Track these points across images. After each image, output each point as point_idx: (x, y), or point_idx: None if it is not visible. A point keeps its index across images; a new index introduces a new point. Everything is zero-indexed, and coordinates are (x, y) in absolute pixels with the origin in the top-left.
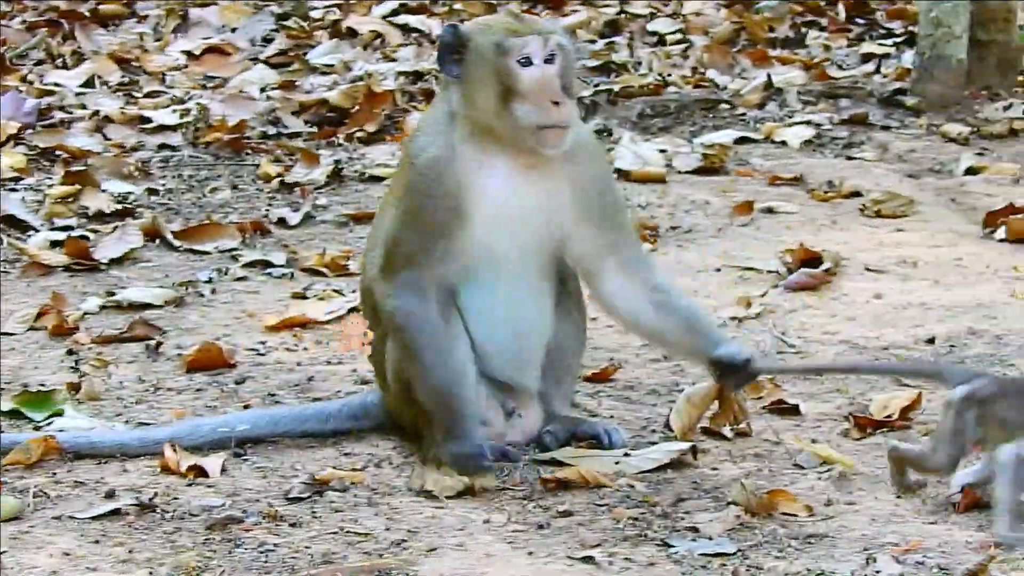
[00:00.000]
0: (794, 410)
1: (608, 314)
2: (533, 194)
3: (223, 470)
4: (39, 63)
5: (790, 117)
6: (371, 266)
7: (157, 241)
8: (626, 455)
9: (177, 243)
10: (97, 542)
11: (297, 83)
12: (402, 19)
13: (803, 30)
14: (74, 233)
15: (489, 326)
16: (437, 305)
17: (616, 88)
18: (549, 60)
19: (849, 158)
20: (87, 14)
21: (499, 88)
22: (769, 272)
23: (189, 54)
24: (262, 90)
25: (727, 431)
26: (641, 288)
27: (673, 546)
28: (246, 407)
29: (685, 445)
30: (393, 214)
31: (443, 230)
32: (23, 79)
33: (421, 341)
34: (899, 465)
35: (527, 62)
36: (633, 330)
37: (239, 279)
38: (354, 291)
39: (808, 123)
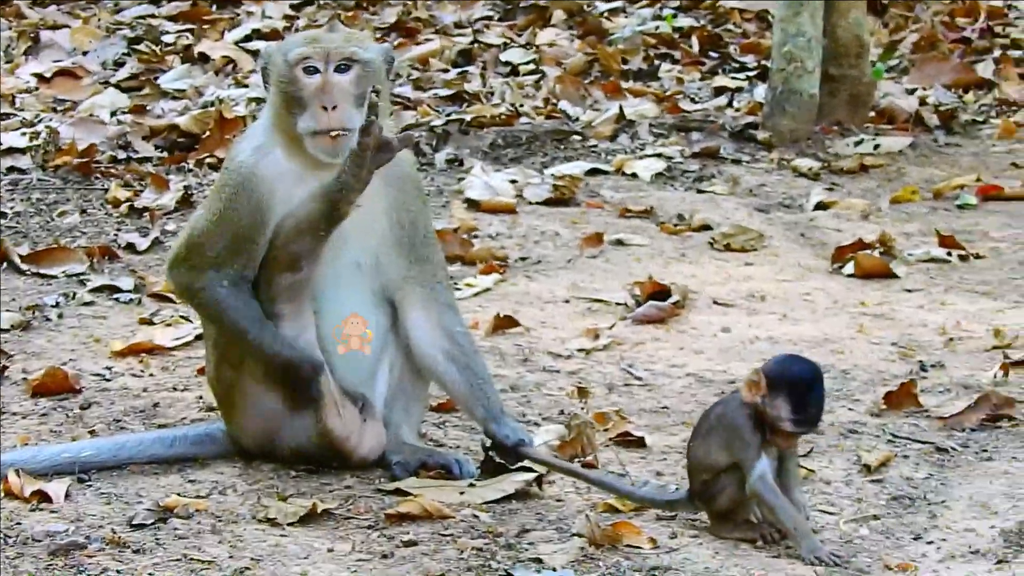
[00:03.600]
0: (640, 442)
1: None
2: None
3: (67, 496)
4: None
5: (641, 149)
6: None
7: (4, 264)
8: (471, 485)
9: (24, 267)
10: None
11: (148, 107)
12: (254, 45)
13: (656, 63)
14: None
15: (321, 329)
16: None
17: (468, 118)
18: (341, 70)
19: (700, 191)
20: None
21: (285, 96)
22: (617, 304)
23: (40, 77)
24: (113, 114)
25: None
26: (438, 332)
27: None
28: (91, 433)
29: (530, 476)
30: (204, 211)
31: (248, 234)
32: None
33: (241, 317)
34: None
35: (313, 71)
36: (423, 368)
37: (86, 304)
38: None
39: (659, 156)
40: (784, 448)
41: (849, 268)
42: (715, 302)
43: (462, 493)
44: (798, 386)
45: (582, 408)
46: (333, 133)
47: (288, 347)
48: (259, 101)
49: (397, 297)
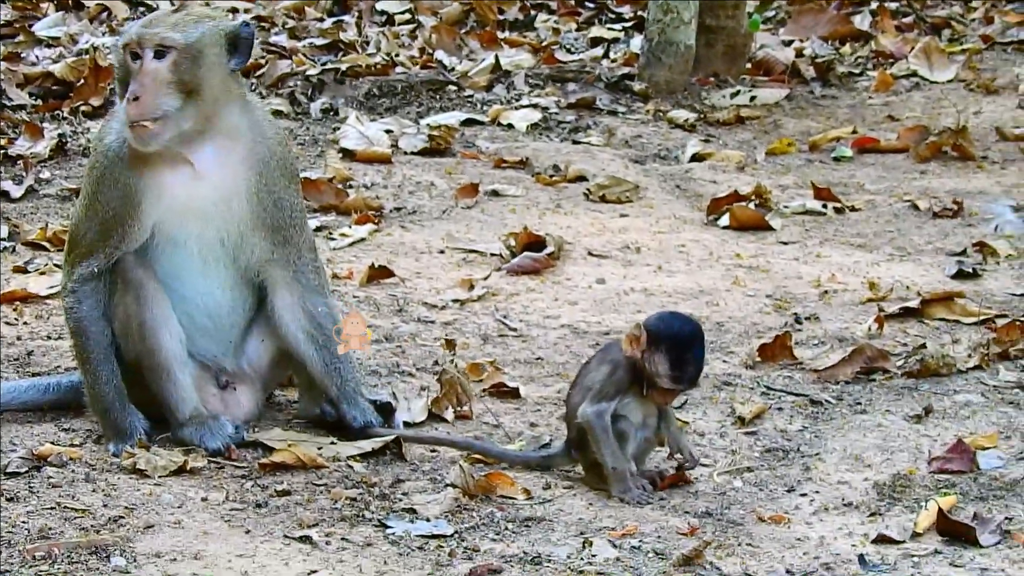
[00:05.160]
0: (514, 393)
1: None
2: (210, 192)
3: None
4: None
5: (517, 100)
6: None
7: None
8: (332, 443)
9: None
10: None
11: (22, 55)
12: None
13: (532, 13)
14: None
15: (184, 308)
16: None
17: (344, 67)
18: (159, 55)
19: (575, 142)
20: None
21: (118, 80)
22: (492, 255)
23: None
24: None
25: (448, 414)
26: (300, 313)
27: (390, 527)
28: None
29: (388, 438)
30: (79, 202)
31: (118, 217)
32: None
33: (88, 350)
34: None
35: (136, 56)
36: (285, 346)
37: None
38: None
39: (535, 106)
40: (661, 404)
41: (724, 220)
42: (590, 253)
43: (334, 443)
44: (678, 344)
45: (450, 361)
46: (137, 123)
47: (112, 400)
48: None
49: (264, 277)
